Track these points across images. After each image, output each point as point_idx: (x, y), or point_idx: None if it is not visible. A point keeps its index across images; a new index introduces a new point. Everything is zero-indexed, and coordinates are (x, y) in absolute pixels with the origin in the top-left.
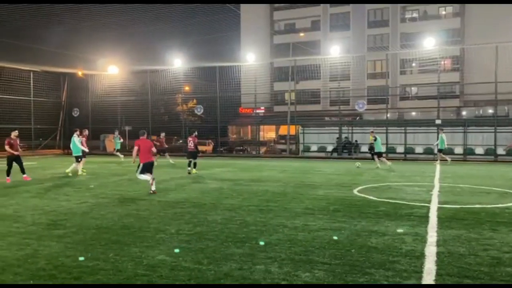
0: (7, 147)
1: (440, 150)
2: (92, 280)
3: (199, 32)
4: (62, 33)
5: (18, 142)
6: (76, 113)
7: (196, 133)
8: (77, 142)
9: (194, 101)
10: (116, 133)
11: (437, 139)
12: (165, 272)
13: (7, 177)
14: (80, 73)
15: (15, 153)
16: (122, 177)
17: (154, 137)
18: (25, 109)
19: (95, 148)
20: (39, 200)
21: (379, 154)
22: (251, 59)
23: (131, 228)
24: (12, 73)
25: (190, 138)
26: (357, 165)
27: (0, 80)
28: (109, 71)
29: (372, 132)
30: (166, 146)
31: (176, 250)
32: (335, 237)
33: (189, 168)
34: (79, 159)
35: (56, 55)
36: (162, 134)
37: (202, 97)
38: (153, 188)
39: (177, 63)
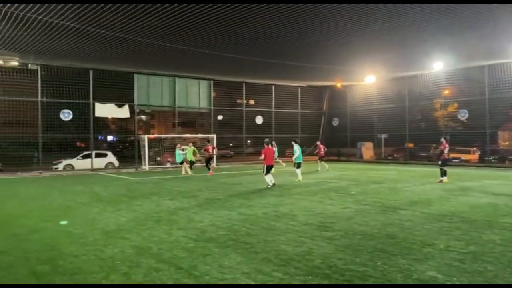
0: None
1: None
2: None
3: (460, 31)
4: (324, 49)
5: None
6: (335, 122)
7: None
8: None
9: (455, 105)
10: (178, 145)
11: None
12: None
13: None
14: (338, 85)
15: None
16: (381, 185)
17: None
18: (294, 120)
19: (352, 155)
20: (308, 202)
21: None
22: None
23: (396, 238)
24: (285, 89)
25: (447, 146)
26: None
27: (275, 96)
28: (366, 81)
29: None
30: (323, 155)
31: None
32: None
33: (445, 177)
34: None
35: (318, 70)
36: (317, 142)
37: (464, 100)
38: (270, 184)
39: (438, 66)
